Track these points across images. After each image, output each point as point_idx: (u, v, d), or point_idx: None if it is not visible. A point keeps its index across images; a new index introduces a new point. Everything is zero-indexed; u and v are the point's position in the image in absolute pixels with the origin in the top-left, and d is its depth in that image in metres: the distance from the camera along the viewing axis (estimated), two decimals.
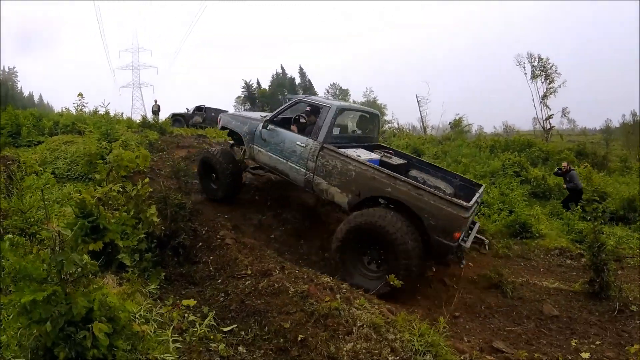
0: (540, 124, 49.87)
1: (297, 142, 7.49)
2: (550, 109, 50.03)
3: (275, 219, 8.62)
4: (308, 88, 75.67)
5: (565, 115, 53.19)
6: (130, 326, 3.45)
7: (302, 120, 8.17)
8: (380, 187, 6.48)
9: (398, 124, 45.44)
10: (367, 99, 72.96)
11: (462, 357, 4.28)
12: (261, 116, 8.59)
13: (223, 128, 9.55)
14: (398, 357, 3.84)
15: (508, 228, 10.51)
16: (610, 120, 52.52)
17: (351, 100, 73.84)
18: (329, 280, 5.23)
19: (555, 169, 16.01)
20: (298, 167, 7.47)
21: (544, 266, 8.69)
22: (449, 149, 23.78)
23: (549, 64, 52.87)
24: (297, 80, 76.28)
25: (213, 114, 29.78)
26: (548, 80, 52.32)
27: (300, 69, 77.09)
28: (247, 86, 77.81)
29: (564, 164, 15.18)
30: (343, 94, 75.18)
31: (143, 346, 3.52)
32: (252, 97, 75.05)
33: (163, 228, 6.42)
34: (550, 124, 48.11)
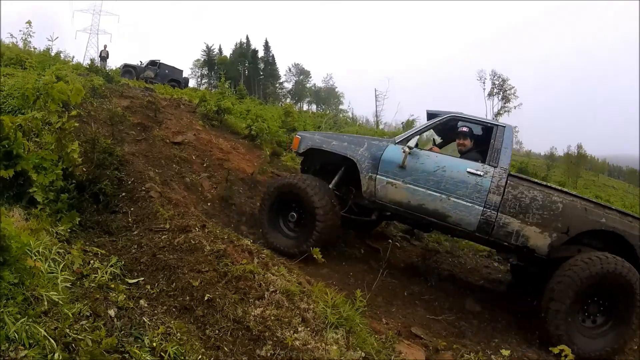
0: None
1: (469, 169, 5.86)
2: None
3: (211, 180, 8.17)
4: (270, 63, 74.49)
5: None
6: (23, 260, 3.20)
7: (463, 141, 6.51)
8: (595, 219, 5.48)
9: (352, 114, 45.75)
10: (326, 85, 72.88)
11: (376, 337, 4.19)
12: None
13: (305, 152, 7.16)
14: (309, 328, 3.69)
15: None
16: (556, 149, 54.58)
17: (312, 84, 73.64)
18: (249, 243, 5.02)
19: None
20: (470, 204, 5.78)
21: (471, 265, 8.76)
22: None
23: (508, 84, 54.96)
24: (261, 54, 74.83)
25: (167, 71, 29.09)
26: (504, 99, 54.40)
27: (266, 42, 75.62)
28: (208, 50, 75.98)
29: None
30: (304, 75, 74.63)
31: (32, 282, 3.21)
32: (211, 62, 73.32)
33: (86, 171, 6.05)
34: None
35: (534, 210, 5.56)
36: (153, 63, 29.65)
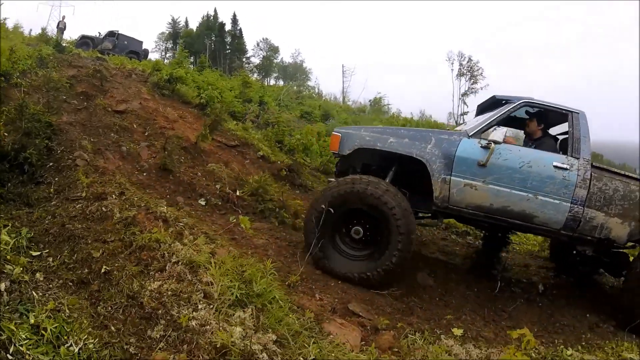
0: (454, 118, 52.27)
1: (556, 163, 5.30)
2: (467, 106, 52.88)
3: (150, 149, 7.64)
4: (238, 37, 73.01)
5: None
6: None
7: (535, 128, 6.07)
8: None
9: (318, 89, 45.53)
10: (295, 61, 71.99)
11: (299, 316, 3.67)
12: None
13: (349, 153, 5.82)
14: (211, 306, 3.21)
15: None
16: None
17: (280, 59, 72.66)
18: (165, 210, 4.58)
19: None
20: (558, 201, 5.27)
21: (427, 237, 8.49)
22: (360, 119, 23.74)
23: (477, 65, 55.56)
24: (228, 27, 73.15)
25: (125, 42, 28.06)
26: (472, 80, 55.08)
27: (234, 16, 73.78)
28: (174, 23, 73.94)
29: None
30: (273, 51, 73.49)
31: None
32: (177, 35, 71.51)
33: (7, 139, 5.57)
34: (463, 119, 50.67)
35: (616, 201, 5.29)
36: (111, 34, 28.50)
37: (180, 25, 74.01)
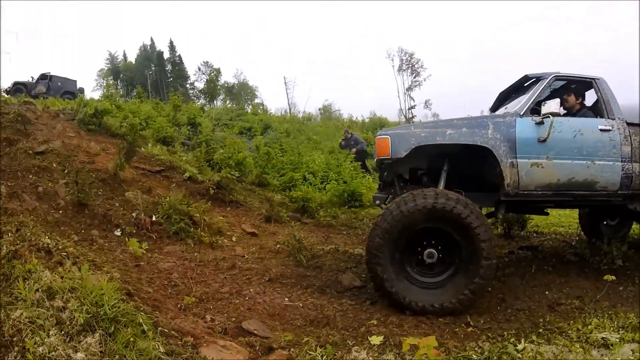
0: (403, 113, 53.32)
1: (600, 127, 5.42)
2: (414, 100, 54.18)
3: (68, 186, 7.27)
4: (178, 64, 72.54)
5: (427, 107, 57.43)
6: None
7: (573, 99, 6.07)
8: None
9: (263, 105, 45.92)
10: (238, 80, 71.80)
11: (174, 340, 3.36)
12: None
13: (396, 157, 5.26)
14: (63, 332, 3.05)
15: (338, 197, 10.43)
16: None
17: (222, 82, 72.39)
18: (49, 241, 4.42)
19: (339, 142, 16.33)
20: (611, 162, 5.34)
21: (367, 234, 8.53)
22: (306, 128, 23.90)
23: (415, 58, 57.08)
24: (167, 55, 72.62)
25: (59, 83, 27.55)
26: (414, 73, 56.59)
27: (171, 42, 73.29)
28: (112, 58, 73.04)
29: (344, 131, 16.25)
30: (215, 73, 73.18)
31: None
32: (117, 70, 70.66)
33: None
34: (412, 114, 51.75)
35: None
36: (44, 77, 27.90)
37: (119, 60, 73.18)
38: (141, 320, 3.24)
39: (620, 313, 4.29)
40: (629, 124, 5.51)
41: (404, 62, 57.99)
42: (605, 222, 7.62)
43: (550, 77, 5.67)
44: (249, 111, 30.91)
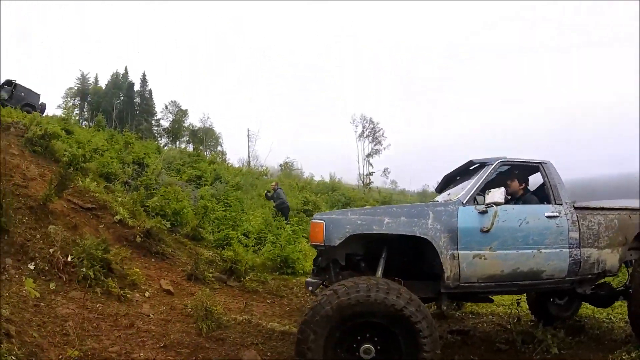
0: (361, 179, 54.93)
1: (547, 213, 5.38)
2: (372, 167, 56.38)
3: None
4: (147, 98, 72.24)
5: (386, 175, 59.77)
6: None
7: (517, 185, 6.07)
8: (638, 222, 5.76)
9: (222, 154, 46.17)
10: (204, 125, 71.89)
11: None
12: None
13: (329, 245, 4.98)
14: None
15: (272, 261, 10.26)
16: (428, 186, 58.54)
17: (187, 124, 72.34)
18: None
19: (265, 192, 17.35)
20: (558, 250, 5.27)
21: (292, 306, 8.39)
22: (260, 183, 23.90)
23: (378, 127, 59.87)
24: (137, 87, 72.34)
25: (22, 93, 26.76)
26: (375, 141, 59.24)
27: (144, 76, 73.12)
28: (83, 78, 72.06)
29: (273, 184, 16.99)
30: (181, 114, 73.11)
31: None
32: (85, 92, 69.82)
33: None
34: (370, 179, 53.58)
35: (602, 234, 5.50)
36: (8, 83, 27.03)
37: (90, 82, 72.33)
38: None
39: None
40: (576, 207, 5.53)
41: (366, 129, 60.46)
42: (553, 301, 7.48)
43: (496, 162, 5.63)
44: (208, 157, 30.86)
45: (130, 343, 5.18)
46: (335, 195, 24.41)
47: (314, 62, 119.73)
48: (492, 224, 5.01)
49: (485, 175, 5.51)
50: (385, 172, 59.11)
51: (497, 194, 5.03)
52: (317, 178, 35.81)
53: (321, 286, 5.54)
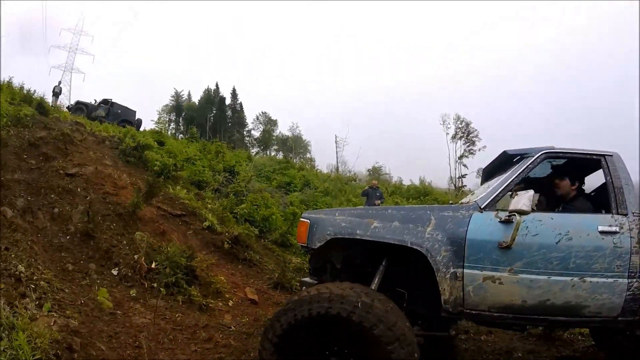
0: (453, 182, 52.88)
1: (601, 228, 3.85)
2: (467, 168, 53.81)
3: (84, 214, 7.19)
4: (238, 111, 74.51)
5: (480, 176, 56.87)
6: None
7: (564, 183, 4.67)
8: None
9: (313, 159, 46.35)
10: (293, 134, 73.10)
11: None
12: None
13: (311, 247, 4.31)
14: None
15: None
16: None
17: (277, 133, 73.82)
18: (23, 270, 4.21)
19: (366, 188, 17.20)
20: (612, 280, 3.77)
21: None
22: (348, 188, 23.78)
23: (472, 128, 57.03)
24: (228, 101, 74.82)
25: (119, 110, 28.51)
26: (468, 143, 56.41)
27: (234, 90, 75.62)
28: (177, 96, 75.60)
29: (374, 181, 17.97)
30: (271, 124, 74.82)
31: None
32: (179, 108, 73.05)
33: None
34: (462, 182, 51.11)
35: None
36: (105, 102, 29.03)
37: (184, 99, 75.65)
38: None
39: None
40: None
41: (460, 129, 57.94)
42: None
43: (539, 154, 4.24)
44: (297, 164, 31.11)
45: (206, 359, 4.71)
46: (428, 200, 23.58)
47: None
48: (513, 238, 3.73)
49: (520, 171, 4.17)
50: (479, 172, 56.49)
51: (522, 199, 3.70)
52: (406, 182, 34.97)
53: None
